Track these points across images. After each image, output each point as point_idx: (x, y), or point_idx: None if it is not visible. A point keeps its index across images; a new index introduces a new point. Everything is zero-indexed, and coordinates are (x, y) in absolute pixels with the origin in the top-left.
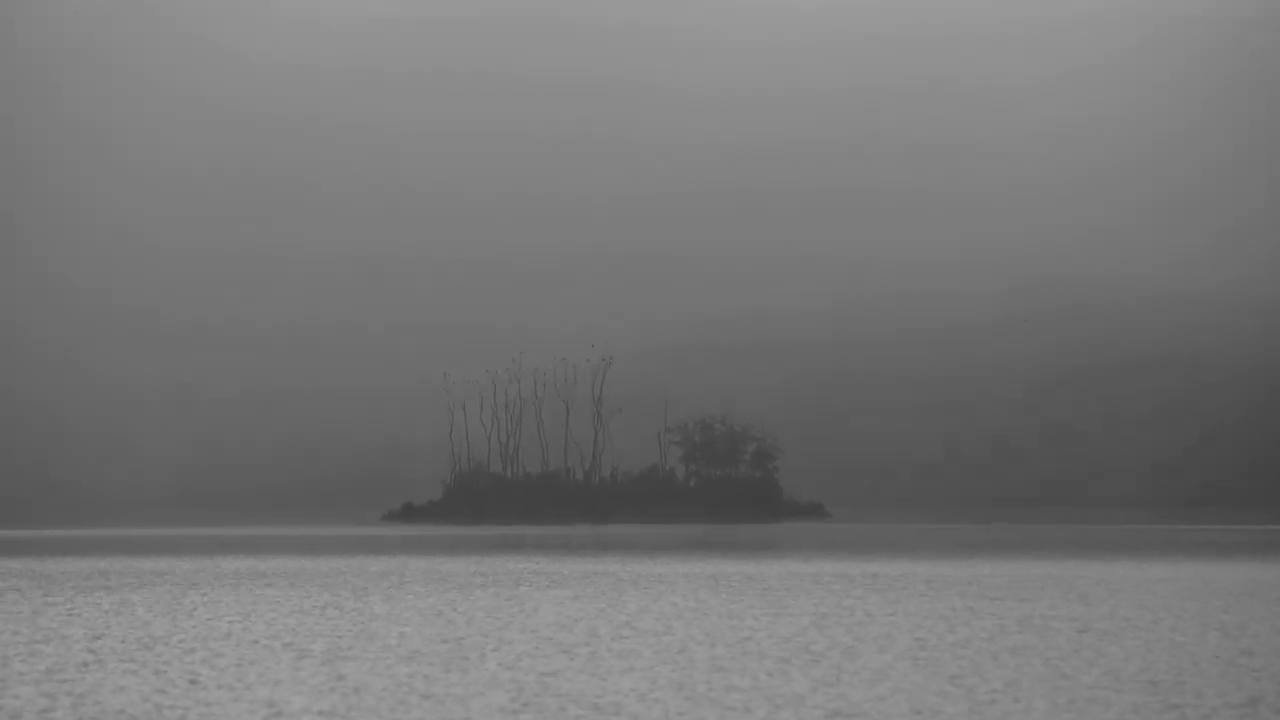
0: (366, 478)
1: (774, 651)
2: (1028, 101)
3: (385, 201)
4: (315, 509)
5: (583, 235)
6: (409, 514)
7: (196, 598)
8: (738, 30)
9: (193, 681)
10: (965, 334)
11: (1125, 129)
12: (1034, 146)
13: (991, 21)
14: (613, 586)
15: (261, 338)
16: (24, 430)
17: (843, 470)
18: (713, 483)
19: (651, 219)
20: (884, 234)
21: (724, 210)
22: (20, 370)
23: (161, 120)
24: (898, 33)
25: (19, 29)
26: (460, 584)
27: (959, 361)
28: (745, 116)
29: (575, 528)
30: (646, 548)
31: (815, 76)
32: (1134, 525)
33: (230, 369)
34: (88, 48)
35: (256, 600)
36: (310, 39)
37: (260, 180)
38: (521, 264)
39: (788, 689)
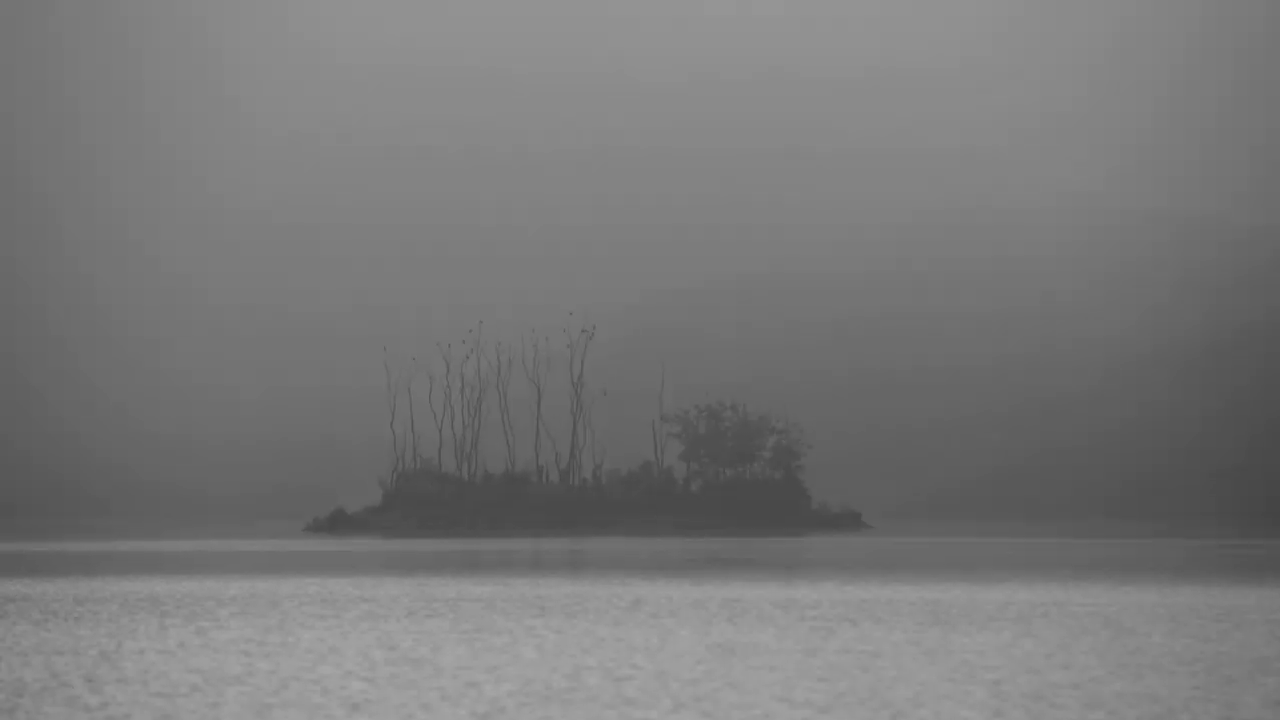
0: (294, 481)
1: (819, 699)
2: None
3: (319, 143)
4: (236, 519)
5: (561, 185)
6: (338, 524)
7: None
8: None
9: None
10: (1035, 320)
11: None
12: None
13: None
14: (599, 618)
15: (179, 316)
16: None
17: (883, 472)
18: (721, 486)
19: (647, 166)
20: (938, 190)
21: (737, 157)
22: None
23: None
24: None
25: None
26: (389, 614)
27: (1030, 351)
28: (764, 45)
29: (548, 542)
30: (640, 567)
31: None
32: (1208, 541)
33: (130, 358)
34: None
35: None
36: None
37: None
38: (481, 217)
39: None
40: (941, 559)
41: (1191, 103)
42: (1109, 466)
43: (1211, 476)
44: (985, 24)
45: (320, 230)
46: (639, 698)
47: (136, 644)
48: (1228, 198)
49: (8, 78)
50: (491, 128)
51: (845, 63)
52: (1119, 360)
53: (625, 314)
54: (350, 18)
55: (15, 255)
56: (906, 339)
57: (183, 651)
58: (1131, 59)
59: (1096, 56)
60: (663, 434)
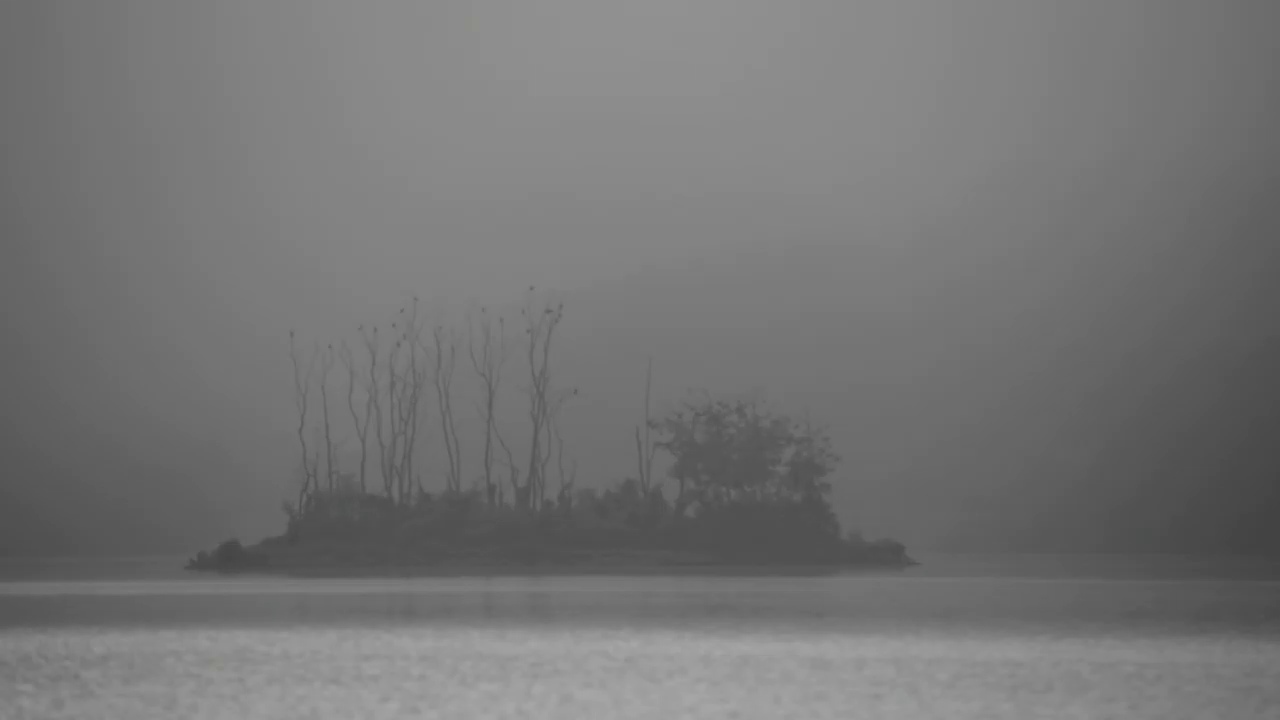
0: (170, 507)
1: None
2: None
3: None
4: (95, 554)
5: (524, 138)
6: (231, 560)
7: None
8: None
9: None
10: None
11: None
12: None
13: None
14: (582, 680)
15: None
16: None
17: (930, 494)
18: (724, 510)
19: (630, 115)
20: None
21: (739, 104)
22: None
23: None
24: None
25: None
26: (304, 675)
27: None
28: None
29: (502, 581)
30: (624, 614)
31: None
32: None
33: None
34: None
35: None
36: None
37: None
38: (416, 169)
39: None
40: (1013, 605)
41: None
42: (1220, 492)
43: None
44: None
45: (205, 178)
46: None
47: None
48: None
49: (73, 81)
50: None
51: None
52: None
53: (600, 290)
54: None
55: None
56: (957, 330)
57: None
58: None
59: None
60: (649, 444)
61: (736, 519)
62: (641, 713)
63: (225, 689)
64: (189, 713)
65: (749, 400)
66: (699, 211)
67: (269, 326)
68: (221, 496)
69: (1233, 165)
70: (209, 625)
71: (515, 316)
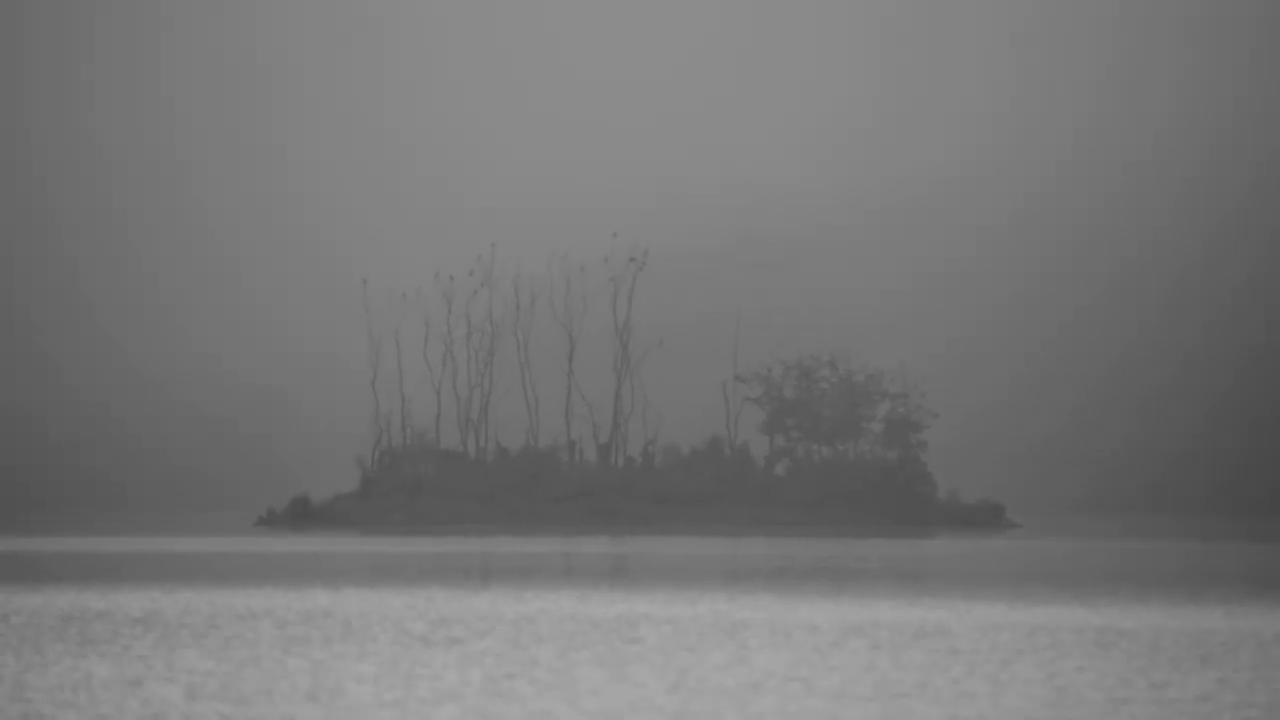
0: (239, 462)
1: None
2: None
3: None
4: (158, 512)
5: (595, 61)
6: (301, 517)
7: None
8: None
9: None
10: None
11: None
12: None
13: None
14: (672, 643)
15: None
16: None
17: (1030, 455)
18: (815, 468)
19: (708, 50)
20: None
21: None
22: None
23: None
24: None
25: None
26: (386, 636)
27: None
28: None
29: (585, 541)
30: (718, 576)
31: None
32: None
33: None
34: None
35: None
36: None
37: None
38: (491, 104)
39: None
40: (1135, 569)
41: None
42: None
43: None
44: None
45: (280, 124)
46: None
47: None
48: None
49: (111, 73)
50: None
51: None
52: None
53: (688, 237)
54: None
55: None
56: (1060, 281)
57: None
58: None
59: None
60: (737, 399)
61: (828, 477)
62: (775, 673)
63: (315, 652)
64: (284, 672)
65: (842, 354)
66: (794, 144)
67: (341, 276)
68: (291, 451)
69: None
70: (282, 583)
71: (597, 265)
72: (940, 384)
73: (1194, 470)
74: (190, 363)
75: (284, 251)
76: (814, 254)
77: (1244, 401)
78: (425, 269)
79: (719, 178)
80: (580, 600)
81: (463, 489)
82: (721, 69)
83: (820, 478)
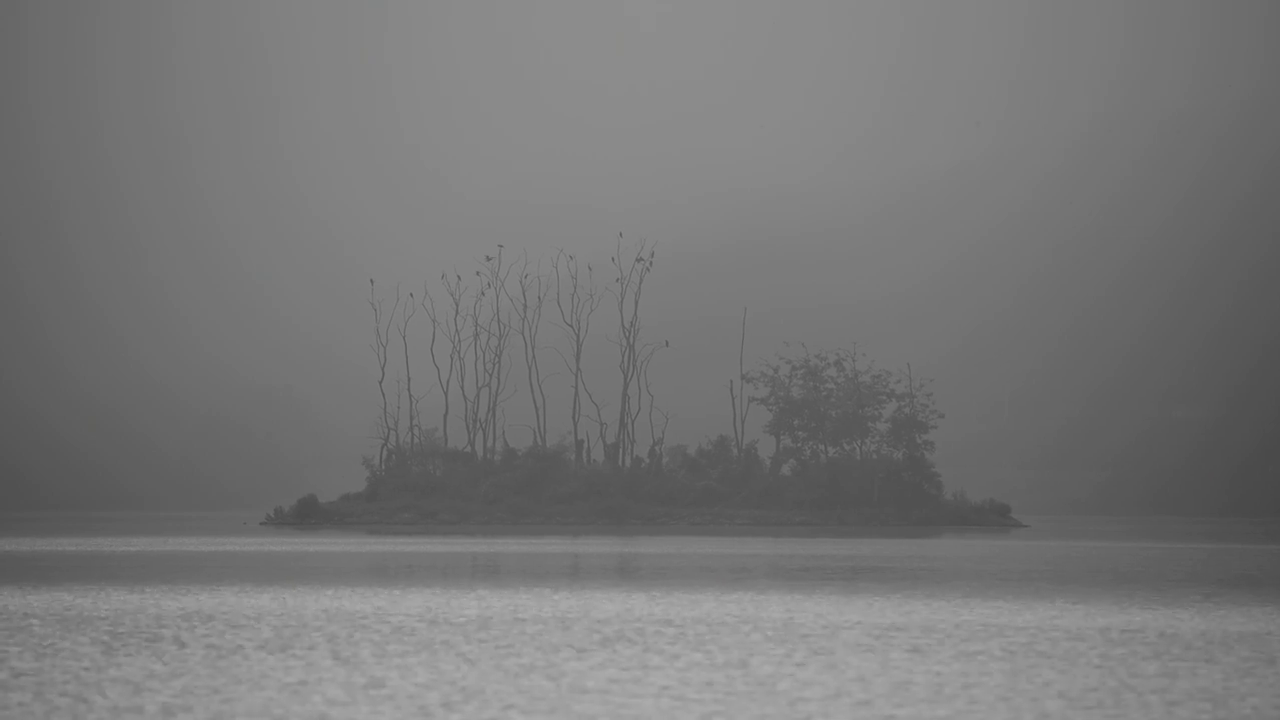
0: (244, 462)
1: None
2: None
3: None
4: (162, 510)
5: (606, 62)
6: (308, 516)
7: None
8: None
9: None
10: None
11: None
12: None
13: None
14: (754, 651)
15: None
16: None
17: (1031, 455)
18: (822, 468)
19: (726, 32)
20: None
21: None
22: None
23: None
24: None
25: None
26: (392, 638)
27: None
28: None
29: (592, 541)
30: (742, 575)
31: None
32: None
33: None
34: None
35: None
36: None
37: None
38: (497, 105)
39: None
40: (1151, 570)
41: None
42: None
43: None
44: None
45: (288, 126)
46: None
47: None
48: None
49: (115, 76)
50: None
51: None
52: None
53: (695, 237)
54: None
55: None
56: (1067, 281)
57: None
58: None
59: None
60: (743, 399)
61: (834, 477)
62: (811, 688)
63: (340, 650)
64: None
65: (848, 354)
66: (800, 142)
67: (349, 276)
68: (298, 451)
69: None
70: (291, 583)
71: (604, 265)
72: (946, 384)
73: (1201, 471)
74: (198, 363)
75: (292, 253)
76: (821, 255)
77: (1253, 402)
78: (433, 269)
79: (726, 179)
80: (597, 599)
81: (470, 489)
82: (729, 72)
83: (826, 478)
